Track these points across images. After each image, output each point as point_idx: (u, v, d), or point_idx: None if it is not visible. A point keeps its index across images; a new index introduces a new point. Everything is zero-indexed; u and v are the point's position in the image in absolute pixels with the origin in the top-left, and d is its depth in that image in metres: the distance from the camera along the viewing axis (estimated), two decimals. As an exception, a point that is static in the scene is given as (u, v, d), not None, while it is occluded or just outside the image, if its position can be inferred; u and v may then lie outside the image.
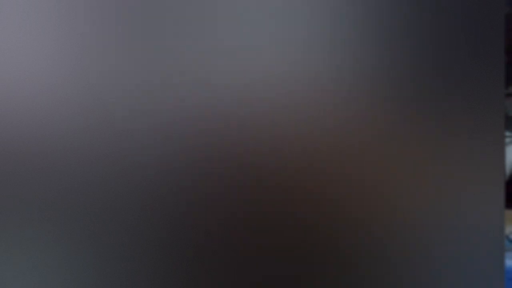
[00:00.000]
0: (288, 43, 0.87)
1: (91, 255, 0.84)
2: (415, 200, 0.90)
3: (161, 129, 0.85)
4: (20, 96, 0.83)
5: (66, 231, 0.83)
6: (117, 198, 0.84)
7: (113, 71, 0.84)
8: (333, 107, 0.88)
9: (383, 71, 0.89)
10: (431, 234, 0.90)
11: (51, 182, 0.83)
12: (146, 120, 0.85)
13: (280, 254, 0.87)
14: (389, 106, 0.89)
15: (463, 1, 0.90)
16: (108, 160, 0.84)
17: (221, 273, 0.86)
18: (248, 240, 0.87)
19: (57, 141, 0.83)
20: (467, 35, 0.91)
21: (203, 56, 0.86)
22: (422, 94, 0.90)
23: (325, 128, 0.88)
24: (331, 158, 0.88)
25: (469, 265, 0.91)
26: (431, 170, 0.90)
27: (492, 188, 0.92)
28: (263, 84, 0.87)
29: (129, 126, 0.84)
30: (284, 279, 0.87)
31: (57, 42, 0.83)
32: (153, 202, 0.85)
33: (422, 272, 0.90)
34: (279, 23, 0.86)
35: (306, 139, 0.87)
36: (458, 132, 0.91)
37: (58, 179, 0.83)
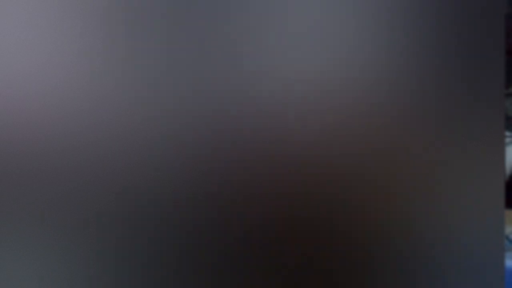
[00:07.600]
0: (300, 45, 0.87)
1: (91, 255, 0.84)
2: (415, 200, 0.90)
3: (163, 130, 0.85)
4: (20, 96, 0.83)
5: (66, 232, 0.84)
6: (117, 199, 0.84)
7: (114, 71, 0.84)
8: (332, 107, 0.88)
9: (382, 72, 0.89)
10: (431, 234, 0.90)
11: (51, 182, 0.83)
12: (148, 120, 0.85)
13: (287, 257, 0.87)
14: (388, 106, 0.89)
15: (463, 1, 0.91)
16: (109, 161, 0.84)
17: (224, 274, 0.86)
18: (250, 242, 0.87)
19: (57, 141, 0.83)
20: (467, 35, 0.91)
21: (207, 57, 0.86)
22: (421, 94, 0.90)
23: (326, 128, 0.88)
24: (337, 158, 0.88)
25: (469, 265, 0.91)
26: (430, 170, 0.90)
27: (492, 188, 0.92)
28: (270, 86, 0.87)
29: (131, 126, 0.84)
30: (287, 280, 0.87)
31: (58, 42, 0.83)
32: (155, 203, 0.85)
33: (422, 272, 0.90)
34: (292, 26, 0.87)
35: (315, 141, 0.87)
36: (458, 132, 0.91)
37: (58, 179, 0.83)
